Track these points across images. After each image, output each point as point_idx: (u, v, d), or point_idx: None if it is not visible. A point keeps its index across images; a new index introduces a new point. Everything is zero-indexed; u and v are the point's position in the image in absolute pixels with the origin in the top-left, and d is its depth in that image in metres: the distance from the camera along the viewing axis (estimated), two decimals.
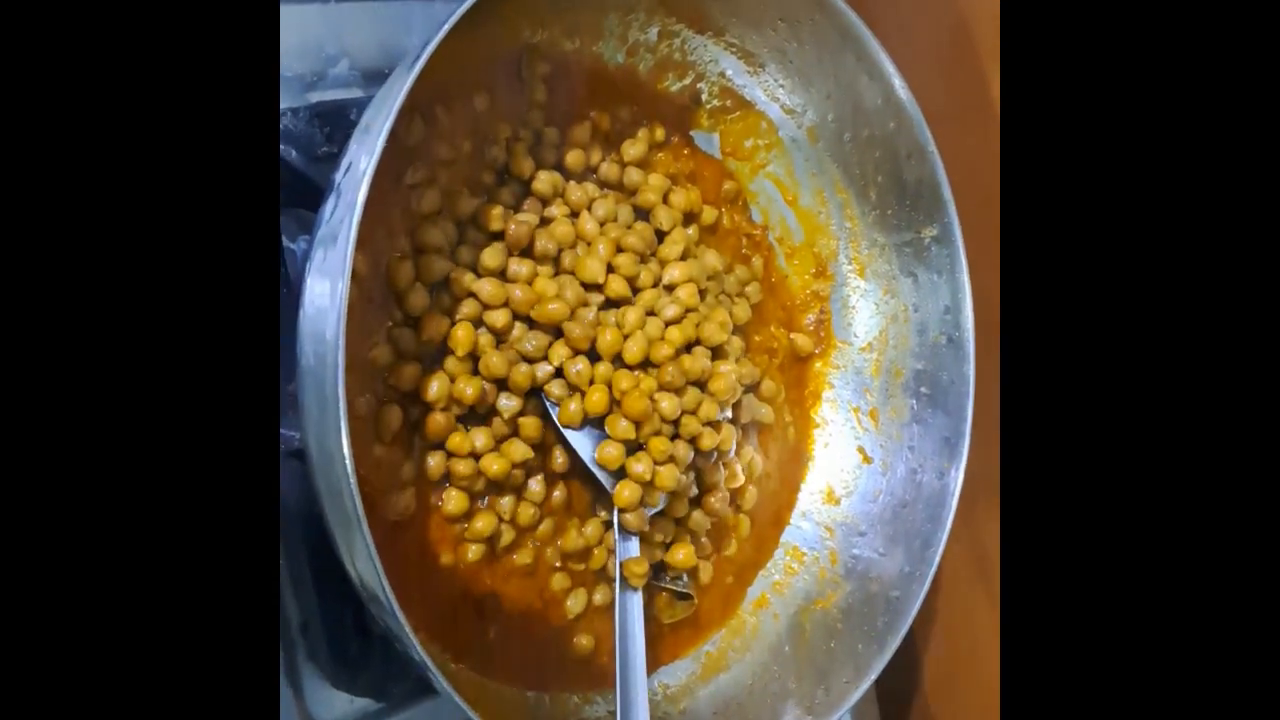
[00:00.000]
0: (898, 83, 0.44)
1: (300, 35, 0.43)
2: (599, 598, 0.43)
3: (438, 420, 0.38)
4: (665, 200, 0.46)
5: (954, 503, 0.45)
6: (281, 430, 0.38)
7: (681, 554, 0.44)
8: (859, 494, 0.50)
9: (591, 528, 0.43)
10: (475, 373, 0.39)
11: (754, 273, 0.49)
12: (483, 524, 0.40)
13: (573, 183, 0.43)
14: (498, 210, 0.41)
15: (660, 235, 0.45)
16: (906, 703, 0.56)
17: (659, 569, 0.45)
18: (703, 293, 0.45)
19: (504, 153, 0.42)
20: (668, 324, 0.42)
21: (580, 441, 0.41)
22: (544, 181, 0.42)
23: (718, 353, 0.44)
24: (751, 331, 0.49)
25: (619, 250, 0.43)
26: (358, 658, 0.41)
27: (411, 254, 0.39)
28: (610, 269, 0.42)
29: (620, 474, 0.41)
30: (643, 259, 0.43)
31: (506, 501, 0.41)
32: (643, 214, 0.45)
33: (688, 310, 0.43)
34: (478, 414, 0.40)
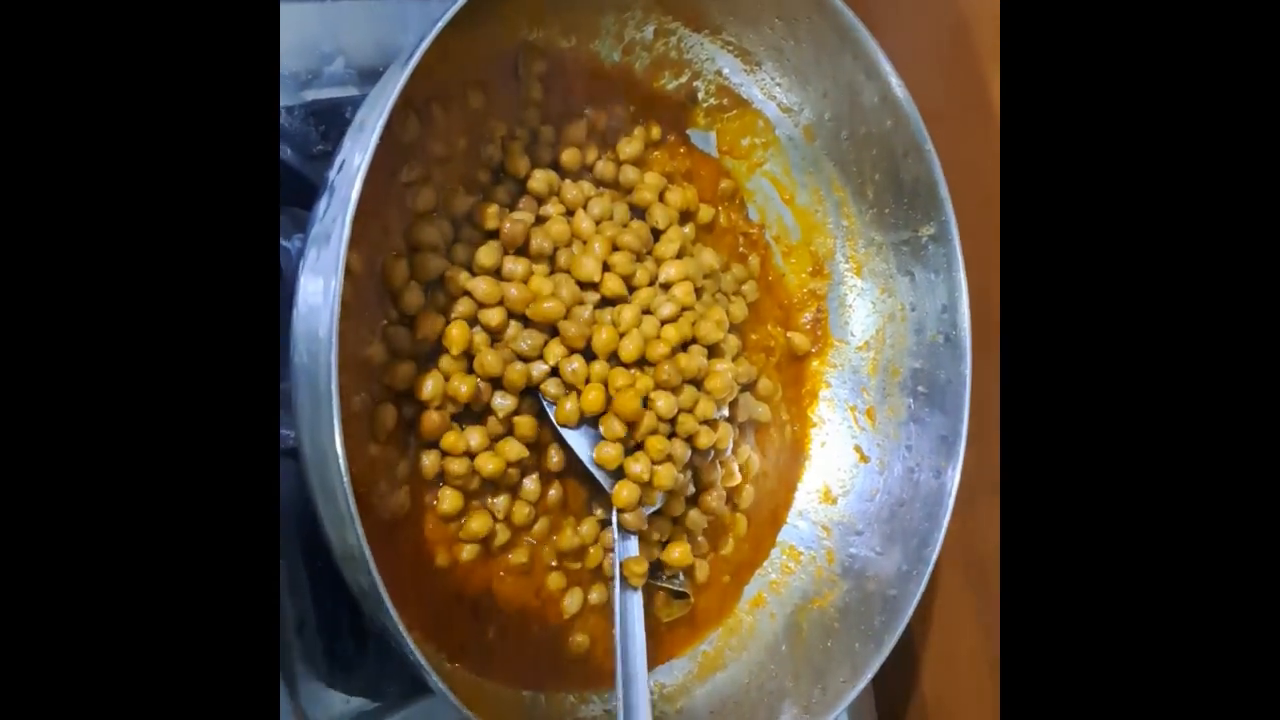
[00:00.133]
0: (895, 81, 0.44)
1: (296, 33, 0.43)
2: (595, 597, 0.43)
3: (432, 419, 0.38)
4: (661, 198, 0.46)
5: (951, 501, 0.45)
6: None
7: (678, 552, 0.44)
8: (856, 493, 0.50)
9: (587, 526, 0.43)
10: (470, 371, 0.39)
11: (750, 271, 0.49)
12: (478, 523, 0.40)
13: (568, 181, 0.43)
14: (493, 208, 0.40)
15: (656, 234, 0.45)
16: (904, 702, 0.56)
17: (656, 567, 0.44)
18: (699, 291, 0.44)
19: (499, 151, 0.42)
20: (664, 322, 0.42)
21: (578, 441, 0.41)
22: (540, 180, 0.42)
23: (714, 351, 0.44)
24: (748, 330, 0.49)
25: (615, 249, 0.42)
26: (353, 657, 0.40)
27: (406, 252, 0.39)
28: (606, 267, 0.42)
29: (619, 473, 0.41)
30: (639, 257, 0.43)
31: (502, 500, 0.41)
32: (639, 212, 0.45)
33: (684, 309, 0.43)
34: (473, 413, 0.40)
